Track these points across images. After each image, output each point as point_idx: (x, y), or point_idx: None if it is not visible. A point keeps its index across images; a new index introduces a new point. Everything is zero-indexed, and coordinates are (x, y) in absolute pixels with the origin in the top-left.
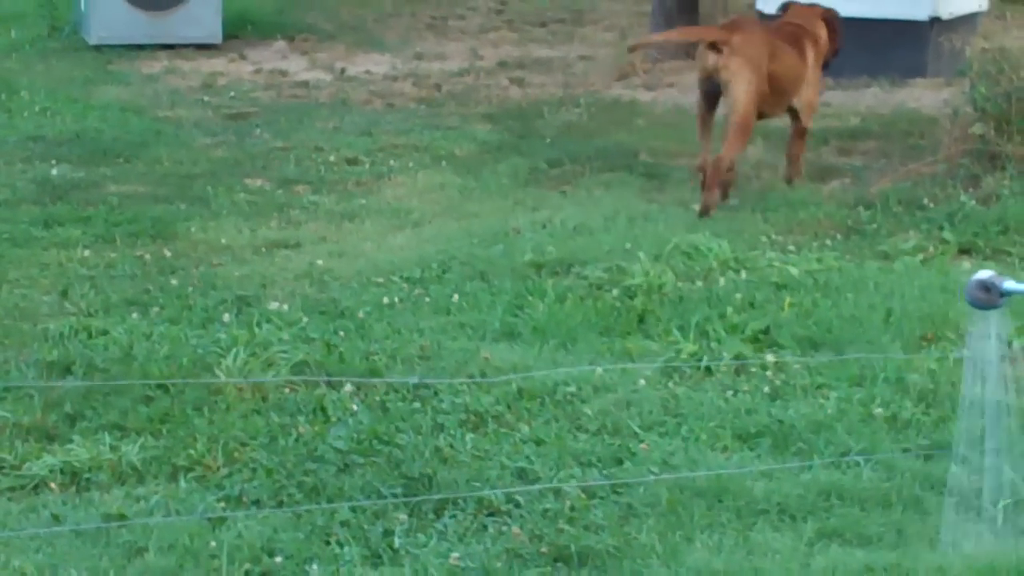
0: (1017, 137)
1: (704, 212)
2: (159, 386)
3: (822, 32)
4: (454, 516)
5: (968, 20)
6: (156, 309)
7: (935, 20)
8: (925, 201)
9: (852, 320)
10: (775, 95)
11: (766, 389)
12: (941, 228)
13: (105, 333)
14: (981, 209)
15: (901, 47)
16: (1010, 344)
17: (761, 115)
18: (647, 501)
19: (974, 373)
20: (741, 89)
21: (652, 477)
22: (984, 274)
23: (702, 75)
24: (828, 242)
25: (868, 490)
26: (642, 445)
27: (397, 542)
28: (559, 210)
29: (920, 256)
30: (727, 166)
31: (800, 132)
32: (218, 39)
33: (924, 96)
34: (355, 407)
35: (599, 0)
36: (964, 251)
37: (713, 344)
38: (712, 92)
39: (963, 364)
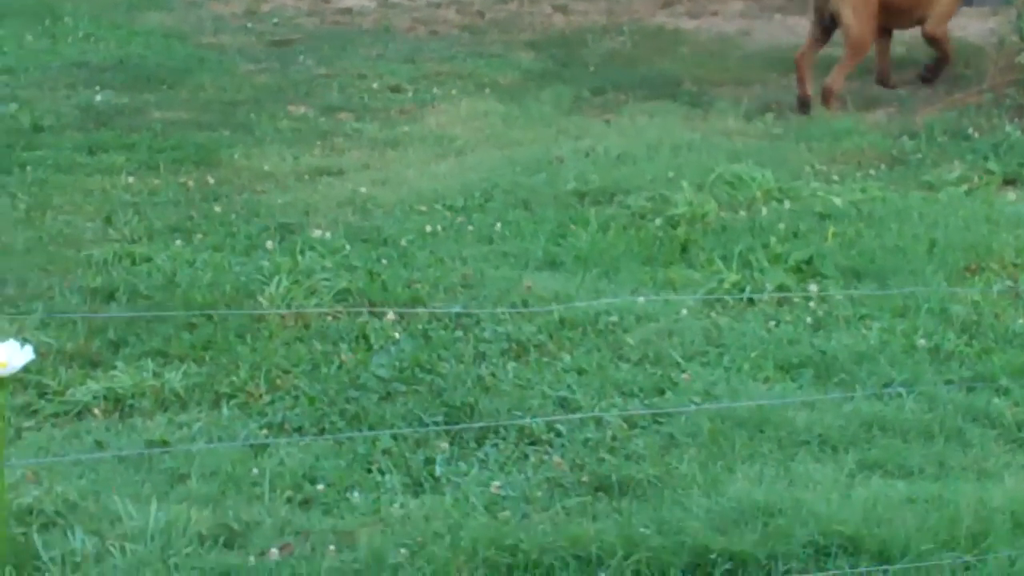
0: None
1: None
2: (202, 313)
3: None
4: (495, 445)
5: None
6: (200, 236)
7: None
8: (970, 131)
9: (895, 251)
10: (895, 15)
11: (808, 320)
12: (986, 158)
13: (149, 260)
14: None
15: None
16: None
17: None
18: (688, 431)
19: None
20: (848, 15)
21: (693, 407)
22: None
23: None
24: (872, 172)
25: (910, 421)
26: (684, 375)
27: (438, 470)
28: (602, 138)
29: (964, 187)
30: (835, 87)
31: (927, 35)
32: None
33: (970, 25)
34: (398, 335)
35: None
36: (1009, 182)
37: (756, 274)
38: (824, 25)
39: (1007, 296)
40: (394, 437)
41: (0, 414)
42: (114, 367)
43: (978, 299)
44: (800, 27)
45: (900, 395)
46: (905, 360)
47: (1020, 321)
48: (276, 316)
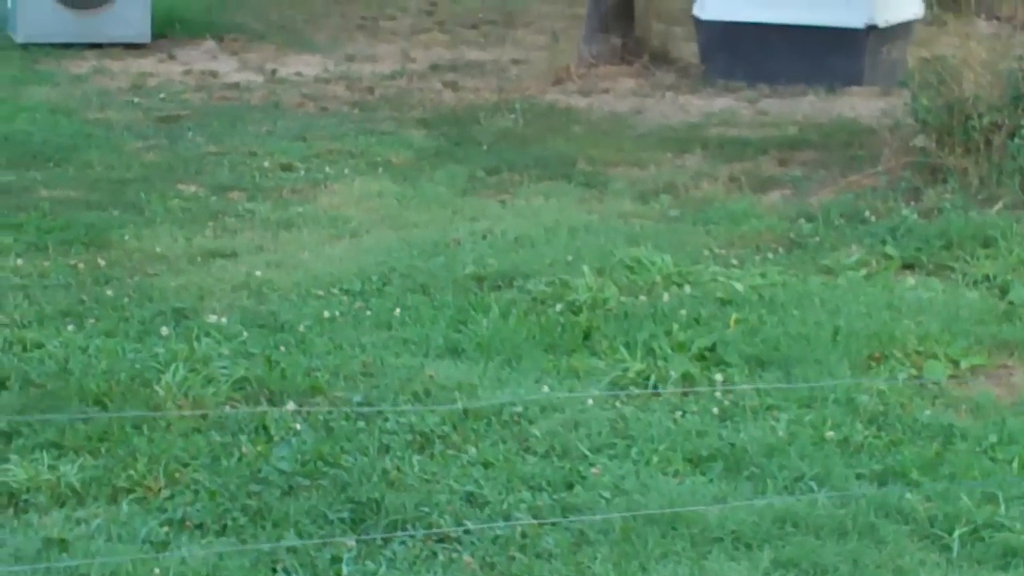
0: (958, 150)
1: None
2: (97, 403)
3: None
4: (403, 543)
5: (904, 28)
6: (92, 321)
7: (871, 28)
8: (867, 214)
9: (799, 338)
10: None
11: (715, 410)
12: (884, 242)
13: (40, 346)
14: (923, 223)
15: (837, 55)
16: None
17: None
18: (599, 528)
19: None
20: None
21: (603, 502)
22: None
23: None
24: (770, 256)
25: (823, 518)
26: (592, 469)
27: (345, 570)
28: (499, 220)
29: (864, 271)
30: None
31: None
32: (147, 38)
33: (861, 105)
34: (298, 426)
35: (531, 2)
36: (907, 266)
37: (660, 362)
38: None
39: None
40: (299, 534)
41: None
42: (7, 460)
43: (884, 389)
44: (692, 106)
45: (812, 490)
46: (815, 453)
47: (927, 412)
48: (173, 406)
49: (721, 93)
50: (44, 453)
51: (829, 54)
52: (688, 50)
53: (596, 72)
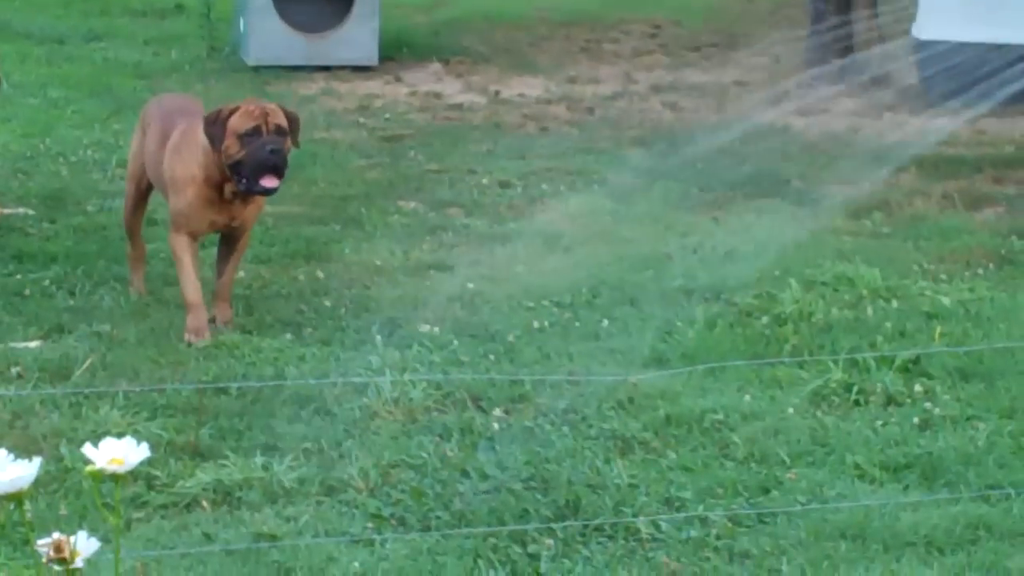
0: None
1: None
2: (311, 406)
3: None
4: (601, 543)
5: None
6: (309, 330)
7: None
8: None
9: (1004, 351)
10: None
11: (915, 420)
12: None
13: (259, 353)
14: None
15: None
16: None
17: None
18: (793, 532)
19: None
20: None
21: (799, 507)
22: None
23: None
24: (980, 271)
25: (1018, 524)
26: (789, 475)
27: (543, 567)
28: (710, 236)
29: None
30: None
31: None
32: (374, 61)
33: None
34: (504, 430)
35: (754, 25)
36: None
37: (862, 373)
38: None
39: None
40: (499, 533)
41: (116, 511)
42: (224, 459)
43: None
44: (909, 125)
45: (1008, 497)
46: (1013, 462)
47: None
48: (384, 410)
49: (939, 113)
50: (259, 454)
51: None
52: (908, 70)
53: (815, 93)
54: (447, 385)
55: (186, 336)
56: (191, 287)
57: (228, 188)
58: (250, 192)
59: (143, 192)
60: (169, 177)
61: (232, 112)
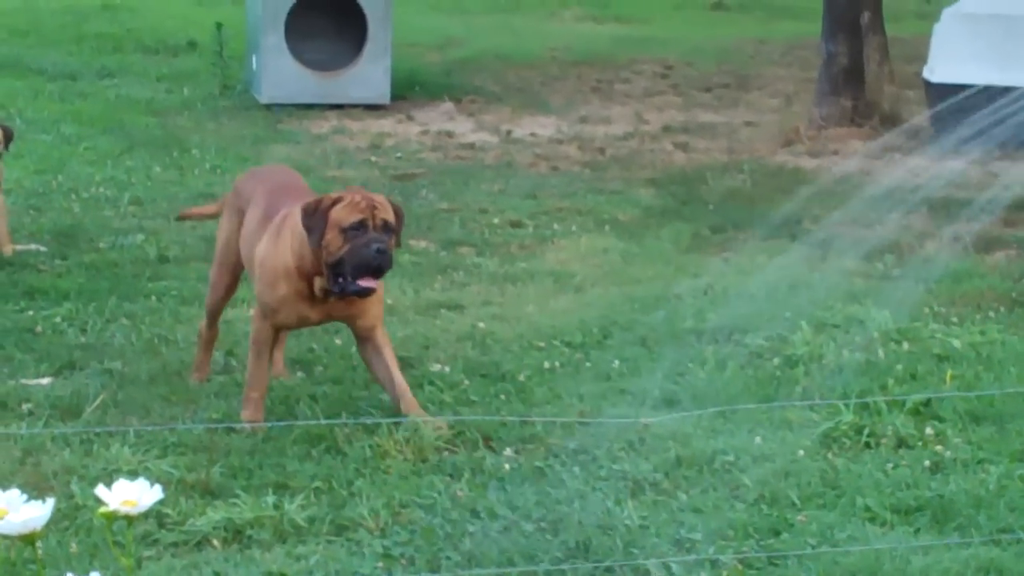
0: None
1: None
2: (322, 445)
3: None
4: None
5: None
6: (320, 368)
7: None
8: None
9: (1016, 395)
10: None
11: (926, 463)
12: None
13: (270, 391)
14: None
15: None
16: None
17: None
18: (804, 574)
19: None
20: None
21: (810, 549)
22: None
23: None
24: (991, 314)
25: None
26: (800, 517)
27: None
28: (721, 277)
29: None
30: None
31: None
32: (386, 99)
33: None
34: (514, 471)
35: (765, 66)
36: None
37: (873, 416)
38: None
39: None
40: (509, 574)
41: (128, 551)
42: (235, 497)
43: None
44: (920, 168)
45: (1019, 541)
46: None
47: None
48: (394, 449)
49: (951, 155)
50: (270, 492)
51: None
52: (919, 113)
53: (826, 134)
54: (458, 425)
55: (243, 423)
56: (256, 379)
57: (318, 283)
58: (344, 293)
59: (236, 279)
60: (259, 264)
61: (335, 202)
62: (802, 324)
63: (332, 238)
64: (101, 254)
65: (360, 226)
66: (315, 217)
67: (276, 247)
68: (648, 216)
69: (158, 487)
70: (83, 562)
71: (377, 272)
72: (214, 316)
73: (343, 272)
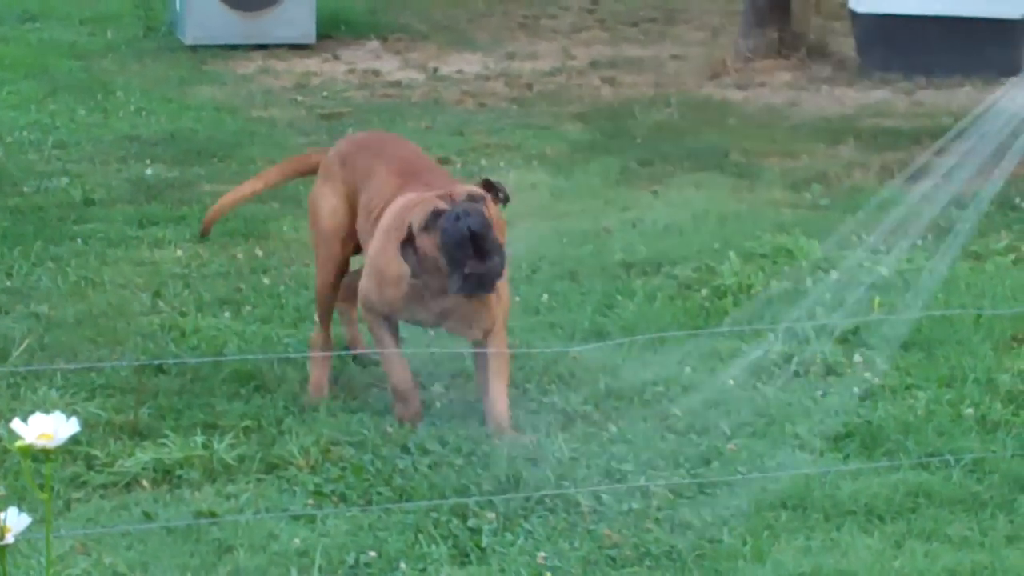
0: None
1: None
2: (251, 384)
3: None
4: (542, 516)
5: None
6: (248, 308)
7: None
8: (1018, 201)
9: (942, 320)
10: None
11: (855, 390)
12: None
13: (197, 331)
14: None
15: (994, 46)
16: None
17: None
18: (734, 502)
19: None
20: None
21: (740, 477)
22: None
23: None
24: (919, 242)
25: (957, 491)
26: (730, 446)
27: (485, 541)
28: (649, 209)
29: (1012, 256)
30: None
31: None
32: (312, 39)
33: (1020, 96)
34: (444, 406)
35: None
36: None
37: (802, 344)
38: None
39: None
40: (440, 508)
41: (47, 485)
42: (163, 437)
43: None
44: (847, 98)
45: (947, 464)
46: (952, 430)
47: None
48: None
49: (877, 85)
50: (199, 432)
51: (985, 45)
52: (845, 43)
53: (752, 66)
54: None
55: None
56: (395, 370)
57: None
58: (463, 290)
59: (347, 261)
60: (372, 259)
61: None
62: (730, 255)
63: (423, 244)
64: (25, 198)
65: (438, 214)
66: (406, 248)
67: (389, 253)
68: (576, 151)
69: (75, 420)
70: (8, 503)
71: (477, 241)
72: (324, 310)
73: (454, 267)
